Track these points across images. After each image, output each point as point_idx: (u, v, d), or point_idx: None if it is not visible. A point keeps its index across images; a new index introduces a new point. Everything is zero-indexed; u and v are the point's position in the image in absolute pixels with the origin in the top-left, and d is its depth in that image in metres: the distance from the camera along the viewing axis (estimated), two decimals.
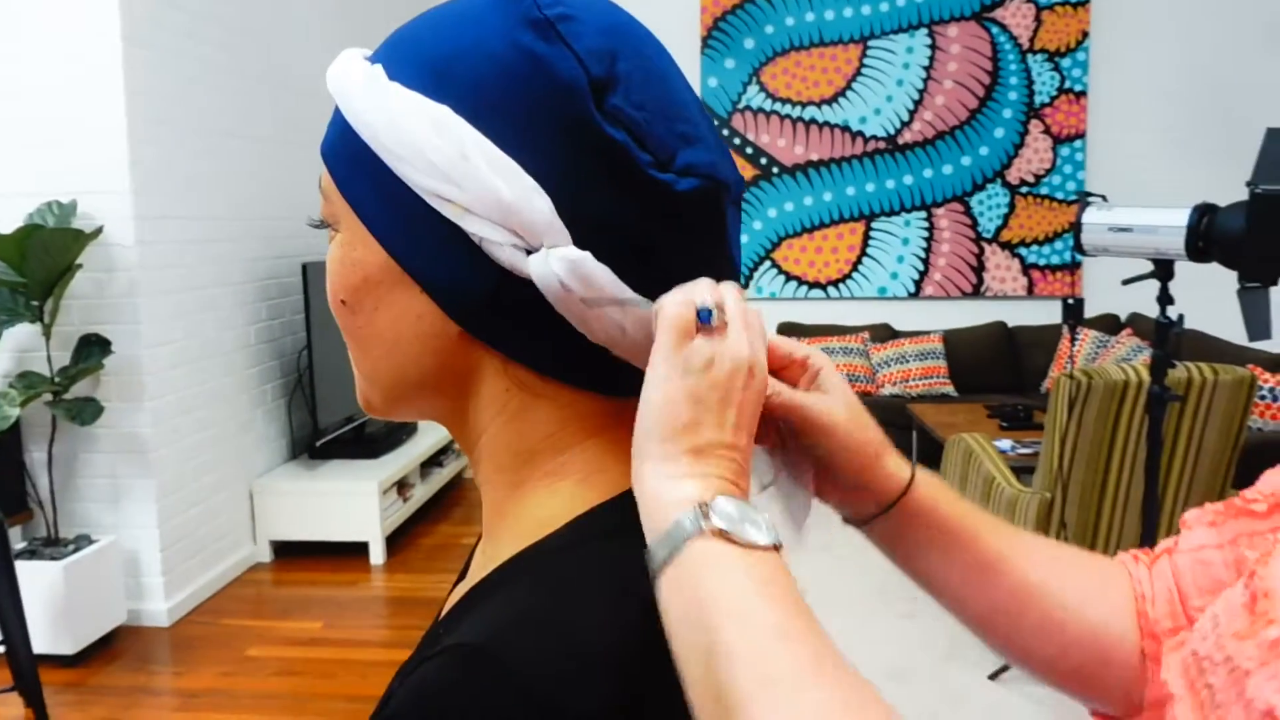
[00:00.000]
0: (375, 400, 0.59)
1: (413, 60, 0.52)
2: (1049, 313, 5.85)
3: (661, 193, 0.51)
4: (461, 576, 0.70)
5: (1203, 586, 0.63)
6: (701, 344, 0.50)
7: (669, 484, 0.48)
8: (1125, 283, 2.57)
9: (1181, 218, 2.37)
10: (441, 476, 4.92)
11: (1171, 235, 2.40)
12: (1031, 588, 0.64)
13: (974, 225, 5.96)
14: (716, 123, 5.70)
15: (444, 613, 0.56)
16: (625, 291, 0.51)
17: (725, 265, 0.56)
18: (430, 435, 4.86)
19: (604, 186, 0.50)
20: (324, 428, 4.22)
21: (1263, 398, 3.76)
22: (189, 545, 3.71)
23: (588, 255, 0.49)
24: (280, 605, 3.76)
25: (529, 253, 0.50)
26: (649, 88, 0.52)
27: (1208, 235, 2.34)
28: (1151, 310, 4.82)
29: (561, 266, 0.49)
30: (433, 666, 0.45)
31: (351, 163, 0.53)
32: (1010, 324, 5.82)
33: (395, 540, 4.36)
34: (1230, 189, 3.13)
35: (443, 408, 0.57)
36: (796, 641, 0.42)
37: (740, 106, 5.98)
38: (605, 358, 0.53)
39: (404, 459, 4.44)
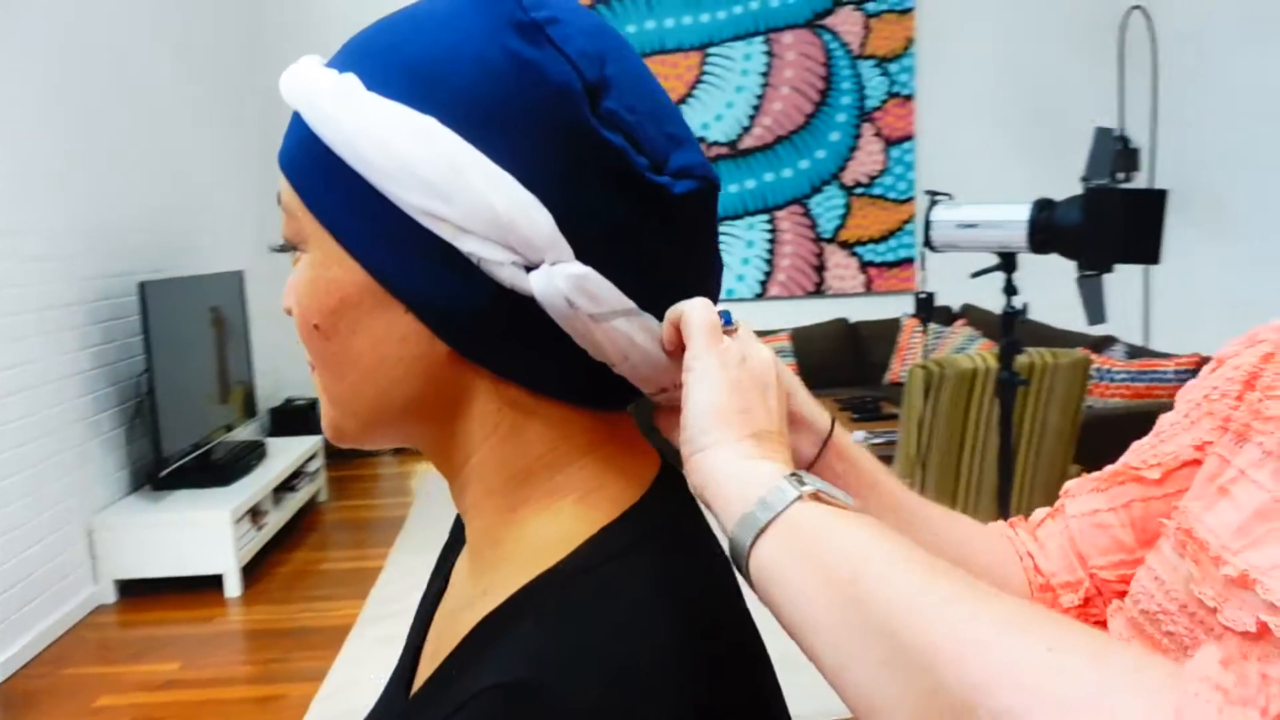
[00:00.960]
0: (350, 428, 0.55)
1: (389, 68, 0.49)
2: (887, 307, 6.10)
3: (660, 197, 0.50)
4: (430, 598, 0.67)
5: (1102, 547, 0.69)
6: (732, 343, 0.51)
7: (747, 463, 0.48)
8: (974, 275, 2.70)
9: (1023, 213, 2.51)
10: (296, 501, 4.73)
11: (1015, 229, 2.54)
12: (935, 529, 0.69)
13: (814, 226, 6.17)
14: None
15: (454, 646, 0.53)
16: (628, 302, 0.50)
17: (714, 264, 0.56)
18: (282, 459, 4.66)
19: (602, 194, 0.48)
20: (168, 456, 3.99)
21: (1092, 378, 4.04)
22: (23, 591, 3.43)
23: (591, 270, 0.48)
24: (130, 648, 3.53)
25: (528, 269, 0.48)
26: (638, 90, 0.51)
27: (1047, 228, 2.50)
28: (983, 301, 5.08)
29: (567, 283, 0.47)
30: (476, 710, 0.43)
31: (321, 178, 0.50)
32: (851, 320, 6.05)
33: (251, 570, 4.15)
34: (1050, 183, 3.35)
35: (425, 432, 0.55)
36: (947, 570, 0.43)
37: None
38: (599, 372, 0.52)
39: (256, 485, 4.24)
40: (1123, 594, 0.66)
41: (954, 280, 3.31)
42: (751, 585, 0.46)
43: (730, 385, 0.50)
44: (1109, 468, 0.72)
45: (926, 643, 0.39)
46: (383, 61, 0.50)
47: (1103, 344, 4.27)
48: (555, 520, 0.52)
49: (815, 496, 0.46)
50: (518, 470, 0.53)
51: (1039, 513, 0.76)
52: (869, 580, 0.42)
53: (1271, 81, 4.86)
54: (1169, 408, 0.70)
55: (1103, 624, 0.66)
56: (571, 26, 0.49)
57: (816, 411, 0.64)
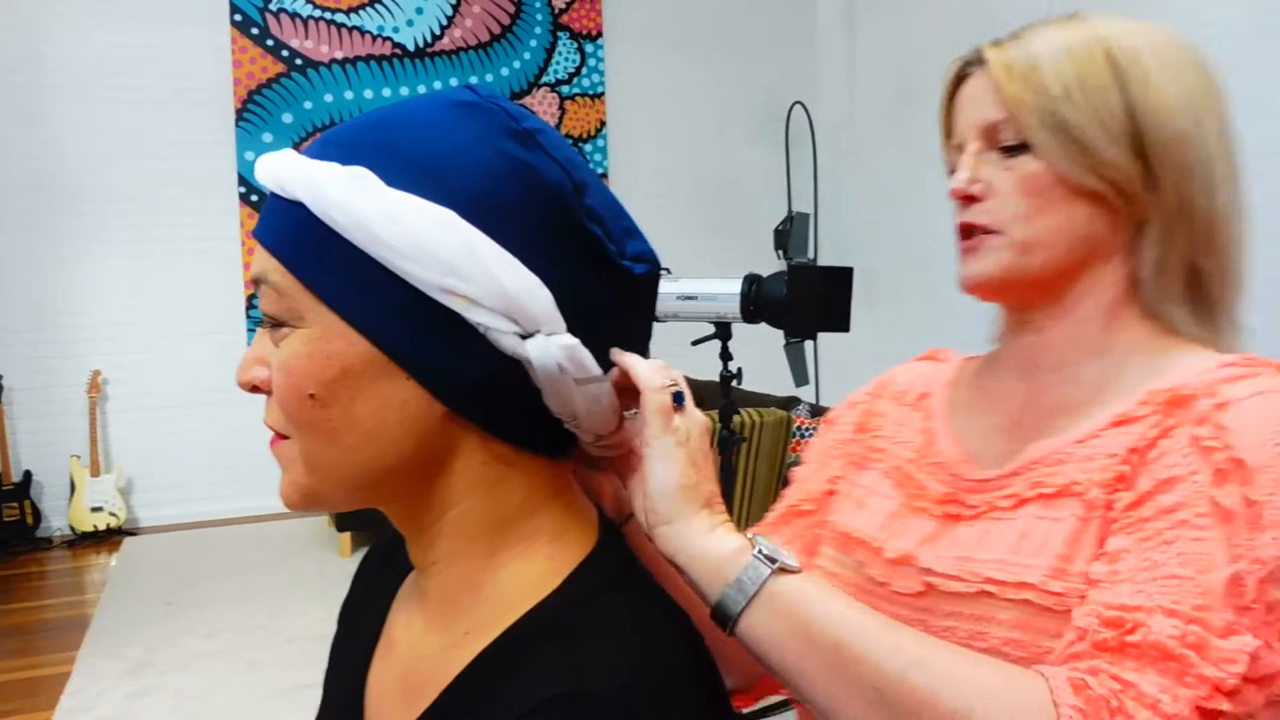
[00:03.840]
0: (328, 492, 0.59)
1: (398, 164, 0.55)
2: None
3: (626, 278, 0.60)
4: (356, 652, 0.71)
5: None
6: (680, 421, 0.61)
7: (711, 539, 0.59)
8: (695, 343, 2.95)
9: (735, 286, 2.78)
10: None
11: (729, 301, 2.79)
12: None
13: None
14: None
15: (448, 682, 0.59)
16: (599, 369, 0.59)
17: (650, 332, 0.67)
18: None
19: (586, 276, 0.58)
20: None
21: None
22: None
23: (578, 341, 0.56)
24: None
25: (523, 338, 0.55)
26: (601, 190, 0.60)
27: (757, 300, 2.78)
28: (679, 365, 5.47)
29: (561, 352, 0.56)
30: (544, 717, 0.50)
31: (322, 260, 0.55)
32: None
33: None
34: (735, 257, 3.71)
35: (405, 488, 0.60)
36: (899, 630, 0.57)
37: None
38: (556, 426, 0.61)
39: None
40: None
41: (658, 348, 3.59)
42: (740, 642, 0.59)
43: (686, 461, 0.60)
44: (775, 512, 0.91)
45: (903, 693, 0.54)
46: (390, 158, 0.55)
47: (789, 403, 4.71)
48: (531, 563, 0.60)
49: (781, 569, 0.59)
50: (500, 517, 0.60)
51: None
52: (849, 647, 0.56)
53: (904, 167, 5.67)
54: None
55: None
56: (553, 136, 0.58)
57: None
